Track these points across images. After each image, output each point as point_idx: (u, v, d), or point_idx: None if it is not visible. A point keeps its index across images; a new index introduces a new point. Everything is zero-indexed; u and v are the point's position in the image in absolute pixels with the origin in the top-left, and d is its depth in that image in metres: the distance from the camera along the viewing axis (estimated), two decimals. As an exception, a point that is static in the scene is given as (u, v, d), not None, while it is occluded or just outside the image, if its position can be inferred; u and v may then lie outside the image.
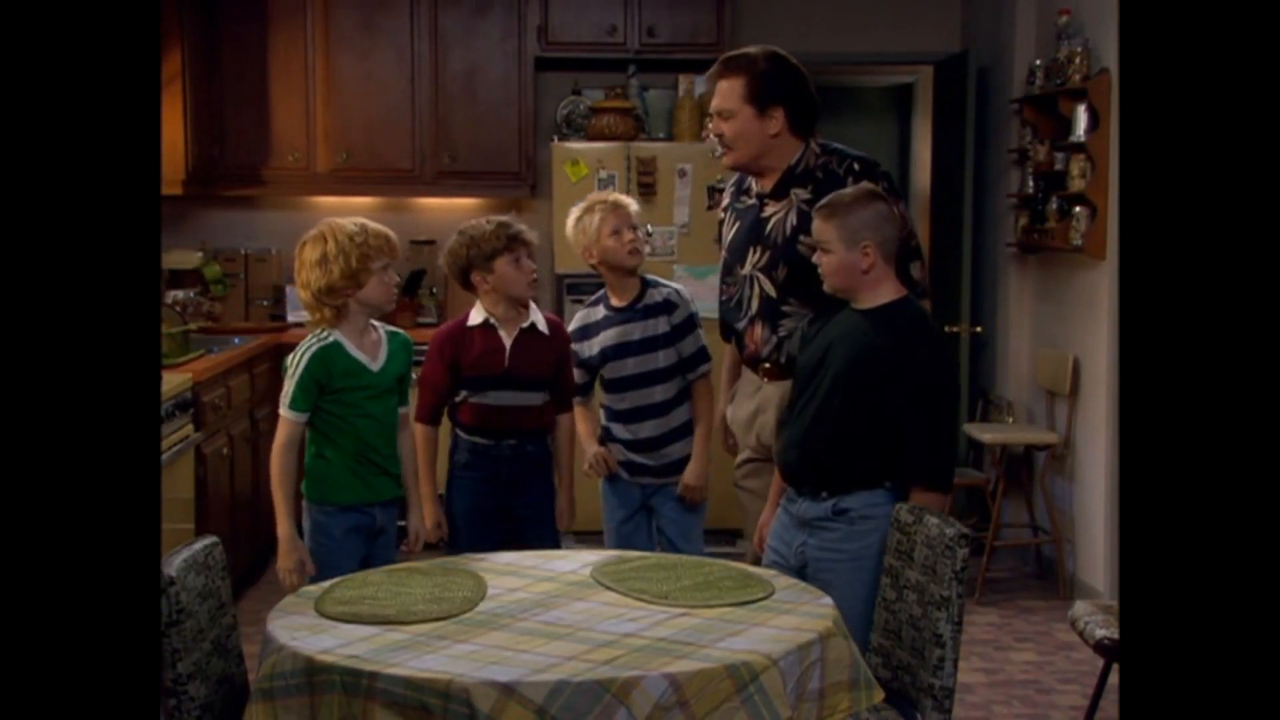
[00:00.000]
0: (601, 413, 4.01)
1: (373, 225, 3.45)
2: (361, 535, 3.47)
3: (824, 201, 3.24)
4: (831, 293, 3.24)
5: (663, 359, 3.90)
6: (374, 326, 3.52)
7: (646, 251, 3.99)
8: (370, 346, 3.47)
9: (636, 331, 3.88)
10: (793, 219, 3.50)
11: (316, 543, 3.45)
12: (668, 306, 3.91)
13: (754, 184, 3.63)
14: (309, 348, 3.41)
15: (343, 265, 3.35)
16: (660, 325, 3.90)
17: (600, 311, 3.96)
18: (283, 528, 3.38)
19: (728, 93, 3.50)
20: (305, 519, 3.49)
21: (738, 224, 3.64)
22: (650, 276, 4.01)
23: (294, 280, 3.47)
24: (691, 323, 3.95)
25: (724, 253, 3.68)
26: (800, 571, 3.19)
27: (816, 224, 3.21)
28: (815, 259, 3.24)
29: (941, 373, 3.19)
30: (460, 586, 2.83)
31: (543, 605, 2.73)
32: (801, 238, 3.43)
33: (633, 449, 3.94)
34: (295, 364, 3.40)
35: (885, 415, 3.12)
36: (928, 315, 3.25)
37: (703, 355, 3.96)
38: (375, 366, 3.45)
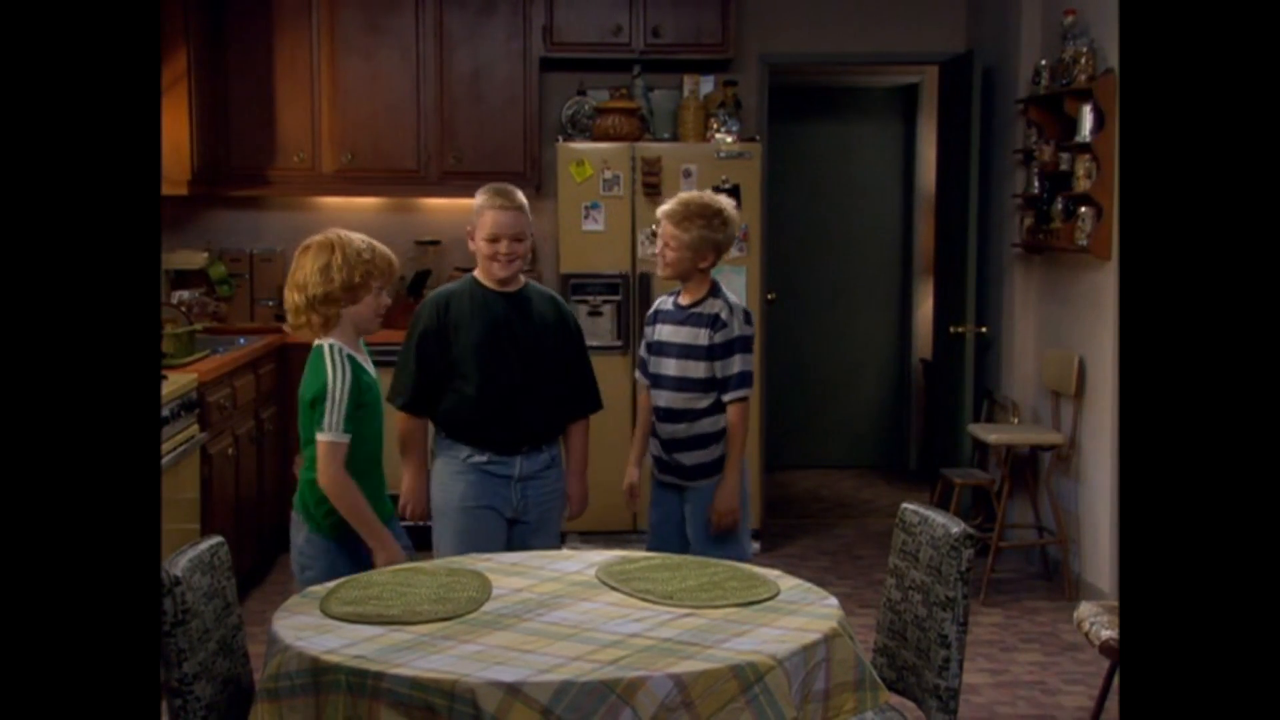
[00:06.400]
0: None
1: (380, 246, 3.43)
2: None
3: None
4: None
5: (703, 370, 3.88)
6: None
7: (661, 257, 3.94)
8: (363, 358, 3.44)
9: (681, 336, 3.88)
10: None
11: (330, 559, 3.36)
12: (713, 322, 3.87)
13: None
14: (342, 367, 3.30)
15: (344, 277, 3.32)
16: (700, 337, 3.88)
17: (670, 303, 4.01)
18: (379, 538, 3.31)
19: None
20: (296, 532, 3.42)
21: None
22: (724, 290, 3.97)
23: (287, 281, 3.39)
24: (731, 347, 3.86)
25: None
26: None
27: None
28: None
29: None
30: (465, 587, 2.84)
31: (548, 605, 2.73)
32: None
33: (665, 447, 3.96)
34: (336, 386, 3.27)
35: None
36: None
37: (739, 380, 3.88)
38: (375, 375, 3.45)
